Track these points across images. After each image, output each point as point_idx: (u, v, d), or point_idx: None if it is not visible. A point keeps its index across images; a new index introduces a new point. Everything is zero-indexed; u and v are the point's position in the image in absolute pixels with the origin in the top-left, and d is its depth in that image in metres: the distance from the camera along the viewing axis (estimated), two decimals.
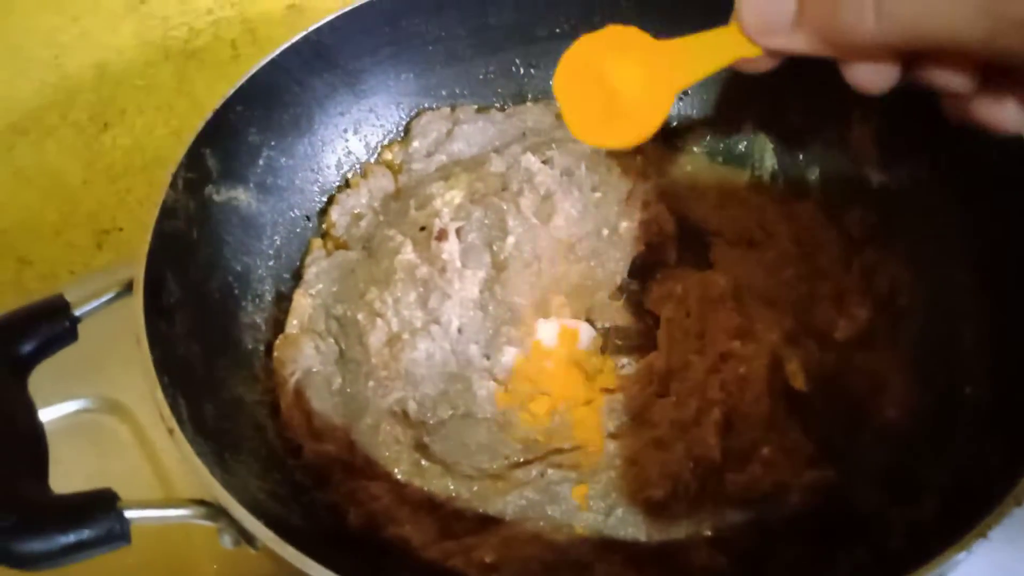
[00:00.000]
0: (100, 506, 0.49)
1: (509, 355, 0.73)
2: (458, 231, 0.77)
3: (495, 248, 0.77)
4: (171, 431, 0.53)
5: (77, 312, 0.59)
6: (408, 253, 0.75)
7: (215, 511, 0.51)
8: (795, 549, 0.62)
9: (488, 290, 0.75)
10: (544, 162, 0.80)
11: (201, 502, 0.52)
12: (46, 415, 0.83)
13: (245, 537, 0.52)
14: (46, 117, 0.89)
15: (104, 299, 0.60)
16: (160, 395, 0.54)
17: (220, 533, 0.52)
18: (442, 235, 0.76)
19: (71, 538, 0.48)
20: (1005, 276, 0.66)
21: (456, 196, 0.79)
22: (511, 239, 0.76)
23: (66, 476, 0.78)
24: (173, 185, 0.66)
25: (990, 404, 0.62)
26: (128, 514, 0.50)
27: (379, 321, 0.72)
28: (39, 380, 0.84)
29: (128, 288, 0.60)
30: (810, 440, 0.67)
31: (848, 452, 0.67)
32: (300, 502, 0.65)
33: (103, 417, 0.83)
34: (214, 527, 0.52)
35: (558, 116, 0.87)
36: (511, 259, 0.76)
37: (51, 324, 0.58)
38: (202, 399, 0.63)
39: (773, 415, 0.67)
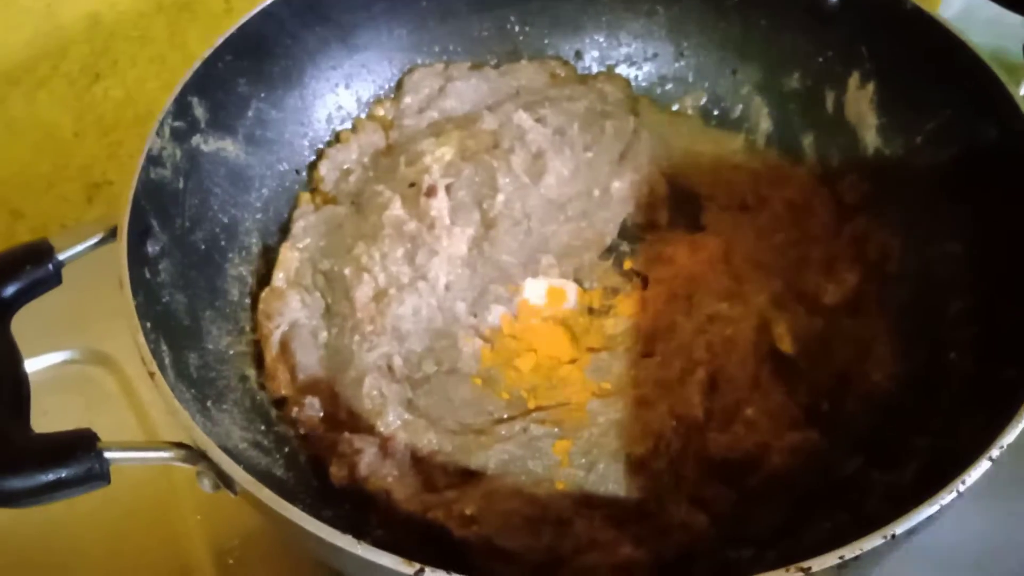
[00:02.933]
0: (80, 445, 0.49)
1: (496, 313, 0.73)
2: (447, 188, 0.76)
3: (485, 206, 0.76)
4: (152, 374, 0.53)
5: (61, 256, 0.59)
6: (396, 209, 0.75)
7: (194, 454, 0.51)
8: (775, 510, 0.62)
9: (476, 247, 0.75)
10: (537, 120, 0.80)
11: (180, 445, 0.52)
12: (32, 365, 0.83)
13: (224, 481, 0.52)
14: (38, 67, 0.88)
15: (88, 244, 0.59)
16: (141, 339, 0.54)
17: (199, 477, 0.52)
18: (431, 191, 0.75)
19: (50, 476, 0.48)
20: (994, 246, 0.66)
21: (447, 153, 0.78)
22: (501, 197, 0.76)
23: (52, 426, 0.78)
24: (160, 132, 0.65)
25: (972, 371, 0.63)
26: (108, 455, 0.50)
27: (366, 276, 0.72)
28: (26, 331, 0.85)
29: (113, 234, 0.60)
30: (794, 403, 0.67)
31: (832, 416, 0.67)
32: (283, 453, 0.65)
33: (89, 368, 0.83)
34: (194, 472, 0.52)
35: (552, 75, 0.87)
36: (500, 217, 0.76)
37: (35, 267, 0.57)
38: (186, 348, 0.63)
39: (758, 377, 0.67)
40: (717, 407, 0.66)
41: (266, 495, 0.48)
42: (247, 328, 0.71)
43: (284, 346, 0.70)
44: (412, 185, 0.77)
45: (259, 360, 0.70)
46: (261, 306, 0.72)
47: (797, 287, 0.73)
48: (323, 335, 0.71)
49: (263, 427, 0.65)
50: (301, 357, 0.69)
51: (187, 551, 0.72)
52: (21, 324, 0.85)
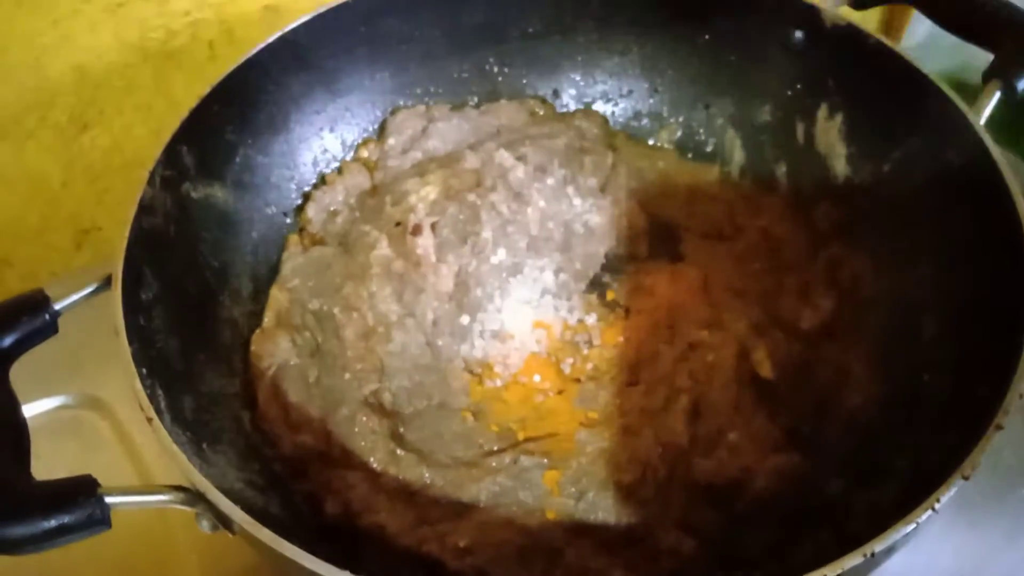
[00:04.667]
0: (81, 491, 0.50)
1: (482, 346, 0.74)
2: (433, 226, 0.78)
3: (469, 242, 0.78)
4: (150, 420, 0.54)
5: (57, 306, 0.60)
6: (383, 248, 0.76)
7: (193, 496, 0.52)
8: (761, 533, 0.64)
9: (462, 284, 0.77)
10: (518, 158, 0.82)
11: (179, 488, 0.53)
12: (27, 411, 0.84)
13: (222, 521, 0.53)
14: (25, 119, 0.90)
15: (83, 293, 0.61)
16: (139, 385, 0.55)
17: (198, 518, 0.53)
18: (417, 230, 0.77)
19: (53, 523, 0.49)
20: (962, 268, 0.68)
21: (431, 192, 0.80)
22: (485, 233, 0.78)
23: (47, 471, 0.78)
24: (151, 182, 0.67)
25: (947, 392, 0.64)
26: (108, 499, 0.51)
27: (355, 315, 0.73)
28: (20, 376, 0.86)
29: (107, 283, 0.61)
30: (776, 427, 0.69)
31: (814, 439, 0.69)
32: (278, 491, 0.66)
33: (84, 413, 0.83)
34: (192, 514, 0.54)
35: (531, 113, 0.89)
36: (485, 253, 0.78)
37: (32, 318, 0.59)
38: (181, 392, 0.64)
39: (740, 402, 0.69)
40: (701, 433, 0.68)
41: (265, 534, 0.49)
42: (239, 369, 0.73)
43: (276, 386, 0.71)
44: (398, 224, 0.78)
45: (252, 401, 0.71)
46: (252, 347, 0.73)
47: (775, 313, 0.75)
48: (314, 374, 0.73)
49: (257, 467, 0.66)
50: (293, 396, 0.71)
51: None
52: (16, 370, 0.87)
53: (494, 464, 0.67)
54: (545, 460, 0.67)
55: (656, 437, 0.67)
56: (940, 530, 0.73)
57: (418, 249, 0.76)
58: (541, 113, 0.90)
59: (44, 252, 1.00)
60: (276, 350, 0.72)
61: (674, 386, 0.70)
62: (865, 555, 0.47)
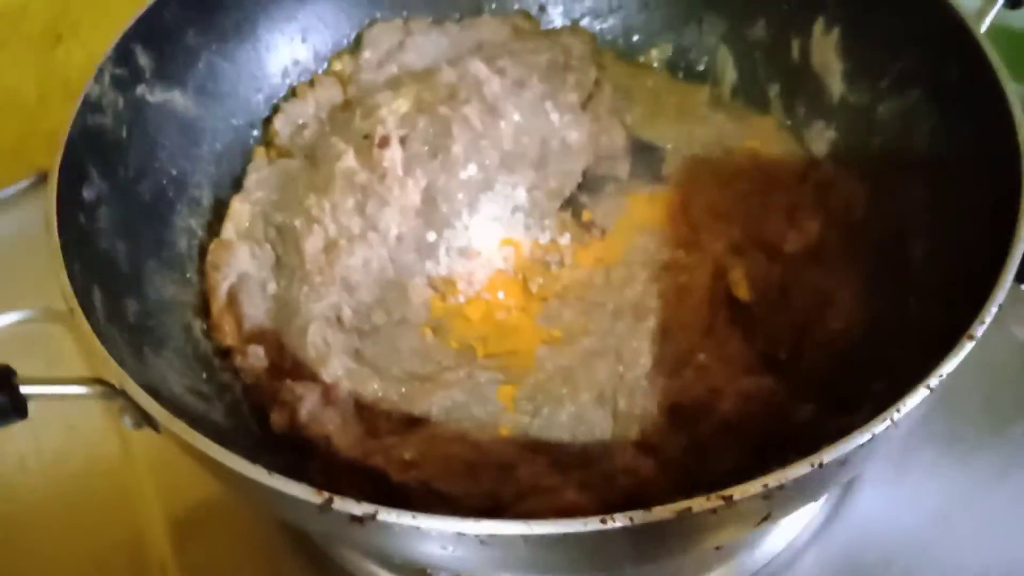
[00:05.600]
0: None
1: (446, 263, 0.71)
2: (402, 139, 0.75)
3: (439, 157, 0.75)
4: (71, 310, 0.52)
5: None
6: (349, 160, 0.73)
7: (113, 390, 0.50)
8: (726, 457, 0.61)
9: (430, 199, 0.73)
10: (495, 72, 0.78)
11: (100, 381, 0.51)
12: None
13: (146, 419, 0.51)
14: None
15: (18, 187, 0.59)
16: (63, 276, 0.53)
17: (121, 413, 0.51)
18: (384, 142, 0.74)
19: None
20: (960, 191, 0.64)
21: (403, 105, 0.77)
22: (456, 148, 0.74)
23: None
24: (98, 79, 0.64)
25: (932, 315, 0.60)
26: (24, 389, 0.49)
27: (316, 227, 0.71)
28: None
29: (44, 178, 0.59)
30: (750, 350, 0.65)
31: (789, 364, 0.65)
32: (224, 401, 0.64)
33: (47, 326, 0.82)
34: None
35: (515, 29, 0.85)
36: (455, 168, 0.74)
37: None
38: (123, 294, 0.62)
39: (712, 324, 0.66)
40: (667, 353, 0.64)
41: (181, 428, 0.47)
42: (194, 279, 0.70)
43: (232, 297, 0.69)
44: (366, 137, 0.75)
45: (205, 310, 0.69)
46: (209, 257, 0.71)
47: (757, 235, 0.71)
48: (271, 287, 0.70)
49: (204, 375, 0.64)
50: (248, 308, 0.68)
51: (140, 511, 0.71)
52: None
53: (449, 378, 0.64)
54: (501, 375, 0.64)
55: (619, 357, 0.64)
56: (927, 465, 0.70)
57: (384, 162, 0.73)
58: (526, 28, 0.86)
59: (23, 168, 0.98)
60: (234, 260, 0.70)
61: (643, 306, 0.67)
62: (812, 465, 0.44)
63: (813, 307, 0.67)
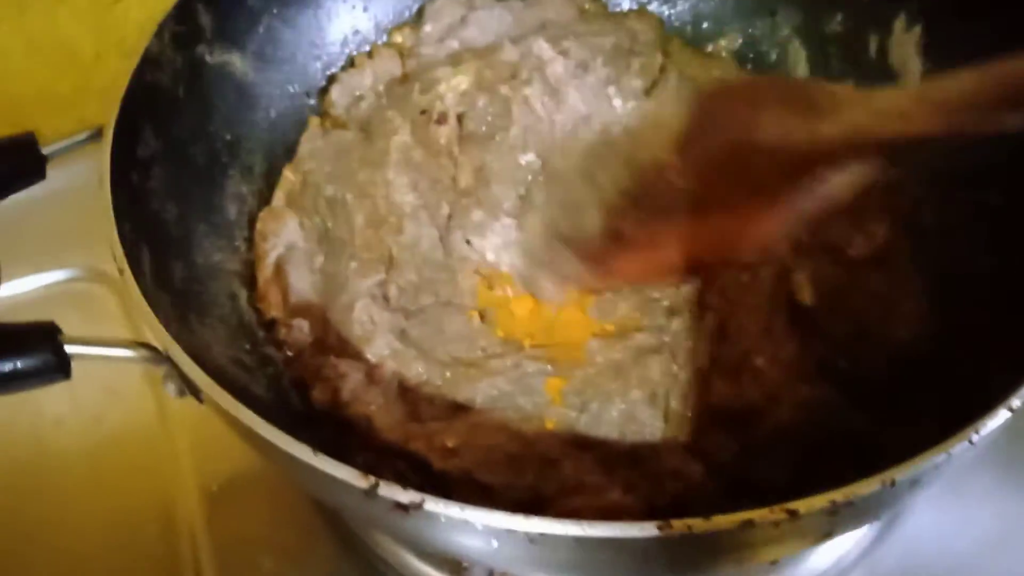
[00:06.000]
0: (41, 337, 0.48)
1: (499, 250, 0.69)
2: (459, 117, 0.73)
3: (497, 138, 0.73)
4: (121, 271, 0.51)
5: (46, 151, 0.57)
6: (405, 135, 0.72)
7: (159, 356, 0.49)
8: (778, 465, 0.58)
9: (484, 181, 0.72)
10: (559, 52, 0.76)
11: (145, 345, 0.50)
12: (36, 282, 0.83)
13: (189, 386, 0.49)
14: None
15: (75, 140, 0.58)
16: (115, 235, 0.52)
17: (165, 380, 0.50)
18: (442, 119, 0.72)
19: (8, 366, 0.46)
20: None
21: (463, 82, 0.75)
22: (515, 130, 0.72)
23: None
24: (159, 35, 0.63)
25: (999, 330, 0.58)
26: (69, 348, 0.48)
27: (367, 202, 0.69)
28: (30, 248, 0.84)
29: (99, 135, 0.58)
30: (809, 356, 0.63)
31: (848, 372, 0.63)
32: (265, 374, 0.63)
33: (93, 287, 0.82)
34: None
35: (581, 10, 0.83)
36: (513, 151, 0.72)
37: (18, 157, 0.56)
38: (171, 257, 0.61)
39: (771, 326, 0.63)
40: (724, 355, 0.62)
41: (226, 399, 0.46)
42: (242, 247, 0.69)
43: (279, 268, 0.68)
44: (423, 112, 0.73)
45: (251, 280, 0.68)
46: (259, 226, 0.69)
47: (823, 237, 0.69)
48: (319, 260, 0.69)
49: (248, 346, 0.63)
50: (295, 280, 0.67)
51: (173, 479, 0.71)
52: (26, 242, 0.85)
53: (495, 366, 0.62)
54: (549, 367, 0.62)
55: (673, 355, 0.61)
56: (983, 488, 0.67)
57: (441, 139, 0.71)
58: (592, 10, 0.83)
59: (76, 126, 0.97)
60: (282, 231, 0.69)
61: (702, 303, 0.64)
62: (884, 483, 0.41)
63: (877, 315, 0.64)
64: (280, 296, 0.66)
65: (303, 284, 0.67)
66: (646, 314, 0.66)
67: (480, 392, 0.61)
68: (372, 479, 0.42)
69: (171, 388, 0.50)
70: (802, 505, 0.41)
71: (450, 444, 0.58)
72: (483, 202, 0.70)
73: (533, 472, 0.57)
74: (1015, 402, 0.44)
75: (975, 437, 0.43)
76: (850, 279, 0.66)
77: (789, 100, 0.52)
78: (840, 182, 0.51)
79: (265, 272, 0.67)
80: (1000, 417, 0.44)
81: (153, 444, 0.73)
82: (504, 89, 0.74)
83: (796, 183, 0.51)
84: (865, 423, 0.59)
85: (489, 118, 0.73)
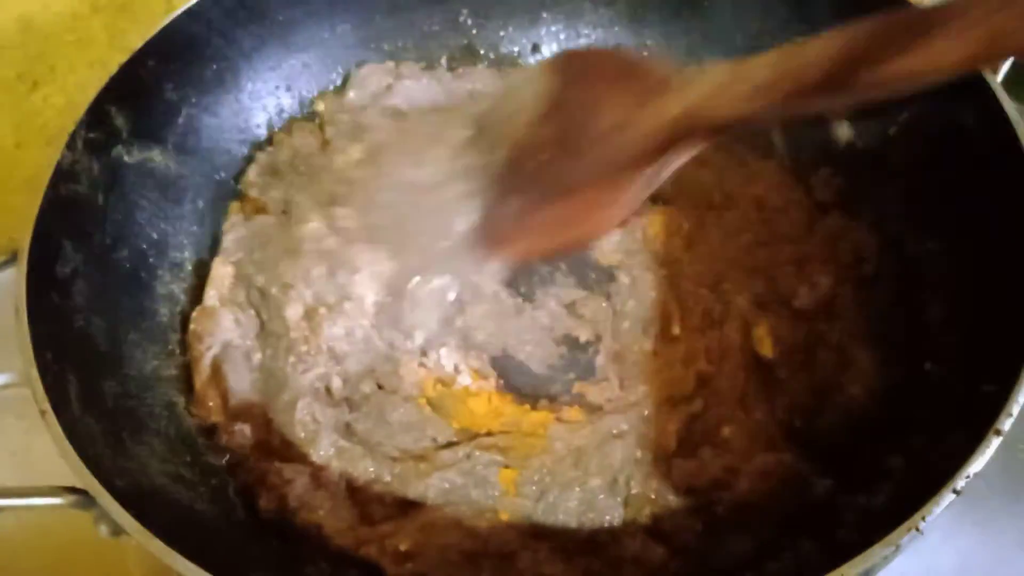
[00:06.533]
0: None
1: (446, 356, 0.68)
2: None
3: None
4: (43, 412, 0.49)
5: None
6: (315, 223, 0.69)
7: (87, 499, 0.47)
8: (741, 539, 0.58)
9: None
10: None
11: (73, 490, 0.48)
12: None
13: (123, 528, 0.48)
14: None
15: None
16: (34, 373, 0.50)
17: (96, 522, 0.48)
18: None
19: None
20: (975, 245, 0.61)
21: (356, 151, 0.73)
22: None
23: None
24: (71, 145, 0.61)
25: (950, 385, 0.58)
26: None
27: (293, 293, 0.67)
28: None
29: (15, 258, 0.56)
30: (773, 420, 0.62)
31: (805, 434, 0.63)
32: (208, 486, 0.61)
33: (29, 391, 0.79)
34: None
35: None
36: None
37: None
38: (101, 376, 0.59)
39: (746, 392, 0.63)
40: (693, 431, 0.61)
41: (156, 546, 0.44)
42: (176, 350, 0.67)
43: (216, 369, 0.66)
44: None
45: (188, 385, 0.66)
46: (192, 326, 0.67)
47: (772, 289, 0.69)
48: (257, 357, 0.67)
49: (188, 458, 0.61)
50: (233, 381, 0.65)
51: None
52: None
53: (445, 458, 0.61)
54: (500, 457, 0.61)
55: (639, 441, 0.61)
56: (944, 530, 0.67)
57: (340, 220, 0.69)
58: None
59: (3, 217, 0.94)
60: (217, 330, 0.67)
61: (694, 370, 0.64)
62: None
63: (833, 368, 0.64)
64: (219, 399, 0.65)
65: (242, 384, 0.65)
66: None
67: (431, 487, 0.60)
68: None
69: (103, 530, 0.48)
70: None
71: (403, 548, 0.56)
72: (406, 295, 0.68)
73: (491, 569, 0.56)
74: (959, 483, 0.44)
75: (922, 524, 0.43)
76: (806, 329, 0.66)
77: (628, 79, 0.54)
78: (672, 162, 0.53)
79: (202, 375, 0.65)
80: (944, 500, 0.43)
81: (107, 561, 0.70)
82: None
83: (636, 162, 0.53)
84: (825, 488, 0.58)
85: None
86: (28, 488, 0.48)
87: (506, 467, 0.61)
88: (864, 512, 0.55)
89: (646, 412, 0.64)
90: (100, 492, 0.46)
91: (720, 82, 0.50)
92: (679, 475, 0.59)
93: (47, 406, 0.49)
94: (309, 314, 0.66)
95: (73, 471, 0.47)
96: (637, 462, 0.60)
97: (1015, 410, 0.47)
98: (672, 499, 0.59)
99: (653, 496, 0.59)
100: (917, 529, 0.43)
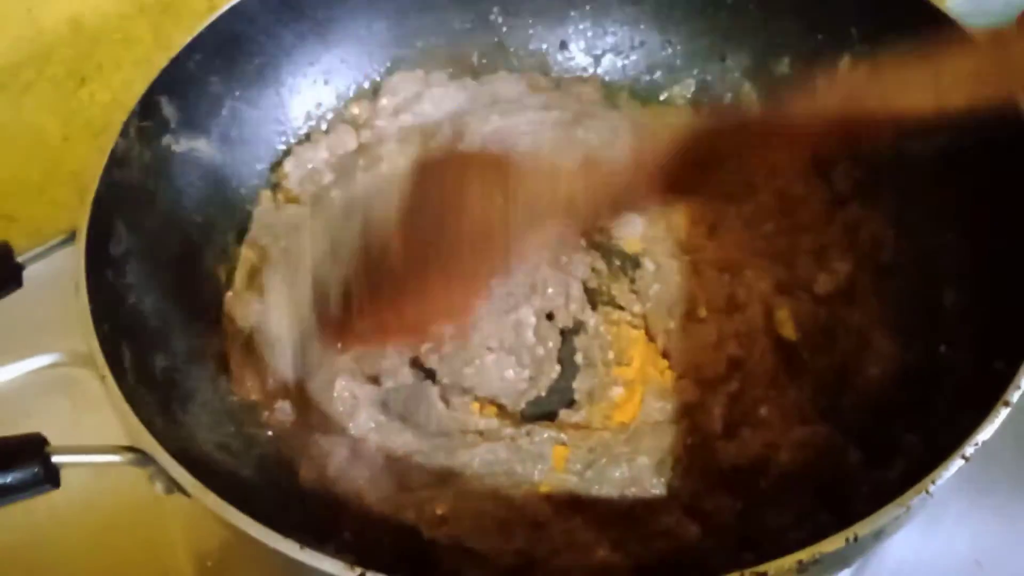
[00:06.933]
0: (28, 450, 0.49)
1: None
2: None
3: None
4: (103, 377, 0.52)
5: (20, 259, 0.58)
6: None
7: (144, 457, 0.50)
8: (778, 514, 0.59)
9: None
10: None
11: (131, 448, 0.51)
12: (19, 369, 0.84)
13: (177, 486, 0.51)
14: (22, 72, 0.88)
15: (47, 246, 0.59)
16: (95, 342, 0.53)
17: (152, 479, 0.51)
18: None
19: None
20: (989, 235, 0.63)
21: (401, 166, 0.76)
22: None
23: (36, 428, 0.79)
24: (124, 133, 0.65)
25: (964, 366, 0.60)
26: (56, 459, 0.49)
27: None
28: (12, 334, 0.85)
29: (73, 237, 0.59)
30: (803, 397, 0.65)
31: (832, 411, 0.64)
32: (252, 455, 0.64)
33: (75, 370, 0.82)
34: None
35: (530, 86, 0.85)
36: None
37: None
38: (151, 349, 0.62)
39: (776, 372, 0.65)
40: (736, 413, 0.64)
41: (211, 499, 0.47)
42: (220, 329, 0.70)
43: (251, 350, 0.68)
44: None
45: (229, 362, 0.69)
46: (225, 309, 0.70)
47: (793, 275, 0.71)
48: (292, 337, 0.69)
49: (232, 429, 0.64)
50: (270, 360, 0.68)
51: (167, 555, 0.71)
52: (6, 328, 0.86)
53: (504, 433, 0.64)
54: (562, 435, 0.63)
55: (688, 425, 0.63)
56: (959, 512, 0.69)
57: None
58: (542, 84, 0.85)
59: (48, 209, 0.98)
60: (248, 313, 0.69)
61: (724, 353, 0.67)
62: (848, 539, 0.43)
63: (853, 351, 0.66)
64: (257, 379, 0.67)
65: (279, 363, 0.68)
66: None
67: (476, 457, 0.62)
68: (359, 570, 0.43)
69: (159, 487, 0.51)
70: (771, 567, 0.42)
71: (440, 512, 0.59)
72: None
73: (523, 536, 0.58)
74: (968, 450, 0.46)
75: (932, 487, 0.45)
76: (827, 313, 0.68)
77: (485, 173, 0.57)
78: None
79: (237, 356, 0.68)
80: (954, 465, 0.45)
81: (147, 522, 0.73)
82: None
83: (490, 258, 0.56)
84: (858, 459, 0.60)
85: None
86: (89, 446, 0.51)
87: (563, 444, 0.63)
88: (877, 485, 0.57)
89: (688, 395, 0.66)
90: (157, 449, 0.49)
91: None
92: (723, 456, 0.62)
93: (107, 371, 0.52)
94: None
95: (130, 432, 0.50)
96: (686, 447, 0.62)
97: (1023, 382, 0.49)
98: (715, 479, 0.61)
99: (697, 477, 0.61)
100: (928, 492, 0.45)
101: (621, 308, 0.72)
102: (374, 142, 0.79)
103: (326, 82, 0.82)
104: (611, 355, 0.69)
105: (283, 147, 0.80)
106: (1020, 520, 0.68)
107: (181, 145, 0.71)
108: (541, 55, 0.87)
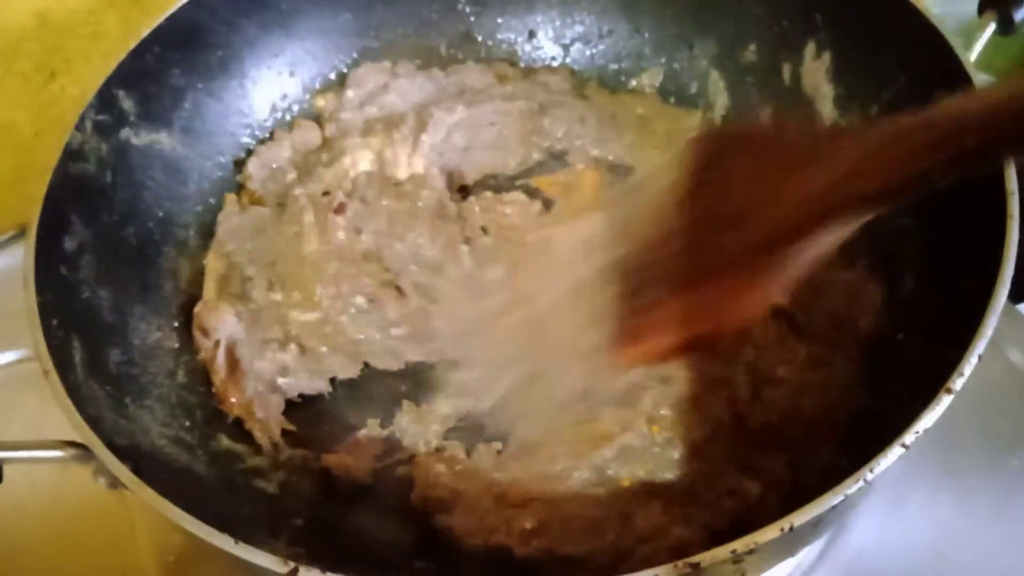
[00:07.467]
0: None
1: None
2: (362, 199, 0.75)
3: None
4: (46, 372, 0.52)
5: None
6: (309, 219, 0.72)
7: (87, 453, 0.50)
8: (818, 453, 0.60)
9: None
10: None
11: (72, 444, 0.51)
12: None
13: (119, 480, 0.51)
14: None
15: (7, 236, 0.59)
16: (40, 336, 0.53)
17: (95, 475, 0.51)
18: (340, 209, 0.73)
19: None
20: (945, 222, 0.62)
21: (364, 159, 0.76)
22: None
23: (3, 425, 0.79)
24: (80, 127, 0.65)
25: (918, 352, 0.59)
26: None
27: (296, 295, 0.70)
28: None
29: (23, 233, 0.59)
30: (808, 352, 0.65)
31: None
32: (207, 449, 0.64)
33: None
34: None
35: (498, 76, 0.84)
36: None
37: None
38: (106, 344, 0.62)
39: (781, 334, 0.65)
40: (757, 377, 0.64)
41: (149, 494, 0.47)
42: (179, 324, 0.70)
43: (232, 365, 0.68)
44: (326, 194, 0.75)
45: (190, 356, 0.69)
46: (196, 321, 0.69)
47: None
48: (272, 347, 0.69)
49: (187, 423, 0.64)
50: (250, 376, 0.67)
51: (129, 550, 0.71)
52: None
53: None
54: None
55: (726, 398, 0.63)
56: (921, 499, 0.68)
57: (339, 232, 0.72)
58: (509, 75, 0.85)
59: (22, 203, 0.98)
60: (220, 325, 0.68)
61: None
62: (783, 529, 0.43)
63: (843, 302, 0.66)
64: (242, 394, 0.67)
65: (265, 372, 0.68)
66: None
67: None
68: (291, 565, 0.43)
69: (103, 482, 0.51)
70: (705, 557, 0.42)
71: (528, 525, 0.58)
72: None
73: (613, 532, 0.58)
74: (907, 438, 0.45)
75: (869, 476, 0.44)
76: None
77: (769, 152, 0.48)
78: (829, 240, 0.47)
79: (219, 373, 0.67)
80: (893, 454, 0.45)
81: (109, 516, 0.73)
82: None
83: (785, 245, 0.46)
84: (870, 400, 0.61)
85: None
86: (31, 442, 0.51)
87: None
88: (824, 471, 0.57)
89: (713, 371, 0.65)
90: (97, 444, 0.49)
91: (872, 147, 0.44)
92: (756, 418, 0.62)
93: (50, 366, 0.52)
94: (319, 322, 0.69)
95: (73, 426, 0.50)
96: (723, 419, 0.62)
97: (967, 370, 0.48)
98: (757, 440, 0.61)
99: (742, 441, 0.61)
100: (866, 480, 0.44)
101: None
102: (337, 136, 0.79)
103: (291, 74, 0.82)
104: None
105: (248, 139, 0.80)
106: (982, 506, 0.68)
107: (141, 138, 0.71)
108: (509, 45, 0.86)
